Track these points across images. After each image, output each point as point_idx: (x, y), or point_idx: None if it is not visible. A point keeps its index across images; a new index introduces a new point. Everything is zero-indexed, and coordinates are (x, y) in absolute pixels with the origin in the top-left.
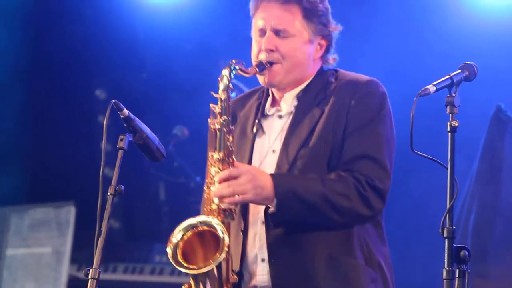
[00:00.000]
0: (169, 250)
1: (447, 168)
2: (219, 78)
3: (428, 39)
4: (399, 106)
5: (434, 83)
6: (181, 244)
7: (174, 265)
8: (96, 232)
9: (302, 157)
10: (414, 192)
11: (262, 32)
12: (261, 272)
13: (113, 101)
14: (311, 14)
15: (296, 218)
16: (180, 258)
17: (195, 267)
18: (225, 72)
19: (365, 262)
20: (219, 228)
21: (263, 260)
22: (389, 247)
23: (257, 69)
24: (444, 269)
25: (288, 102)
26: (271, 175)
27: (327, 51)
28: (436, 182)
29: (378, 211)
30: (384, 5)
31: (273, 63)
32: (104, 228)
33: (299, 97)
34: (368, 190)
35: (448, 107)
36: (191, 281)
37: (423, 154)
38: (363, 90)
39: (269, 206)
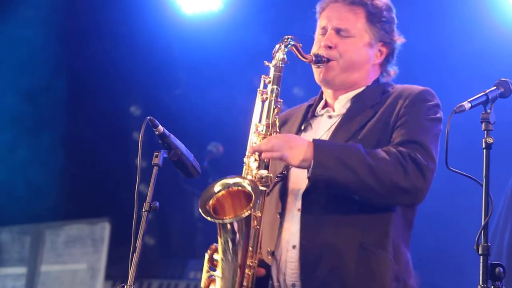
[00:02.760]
0: (202, 198)
1: (482, 185)
2: (273, 51)
3: (464, 56)
4: None
5: (469, 100)
6: (215, 198)
7: (202, 213)
8: (131, 248)
9: None
10: (448, 208)
11: (324, 30)
12: (291, 259)
13: (148, 117)
14: (374, 18)
15: (334, 180)
16: (209, 209)
17: (220, 217)
18: (280, 44)
19: (394, 259)
20: (250, 187)
21: (294, 247)
22: (423, 264)
23: (314, 58)
24: (479, 286)
25: (342, 103)
26: (313, 139)
27: (387, 60)
28: (471, 198)
29: (418, 189)
30: (413, 24)
31: (330, 60)
32: (138, 244)
33: (353, 100)
34: (409, 161)
35: (483, 124)
36: (218, 238)
37: (458, 171)
38: (418, 96)
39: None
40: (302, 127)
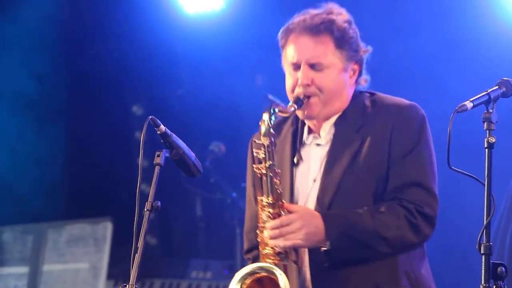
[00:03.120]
0: None
1: (484, 184)
2: (260, 123)
3: (466, 55)
4: (436, 122)
5: (471, 99)
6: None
7: None
8: (133, 248)
9: (345, 186)
10: (450, 208)
11: (296, 66)
12: None
13: (150, 117)
14: (342, 43)
15: (347, 258)
16: None
17: None
18: (265, 116)
19: (411, 287)
20: (278, 273)
21: None
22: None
23: (296, 106)
24: (481, 286)
25: (326, 130)
26: (322, 216)
27: (359, 74)
28: (472, 198)
29: (428, 237)
30: (416, 24)
31: (310, 97)
32: (140, 244)
33: (336, 125)
34: (418, 218)
35: (485, 124)
36: None
37: (460, 170)
38: (403, 116)
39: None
40: (295, 161)
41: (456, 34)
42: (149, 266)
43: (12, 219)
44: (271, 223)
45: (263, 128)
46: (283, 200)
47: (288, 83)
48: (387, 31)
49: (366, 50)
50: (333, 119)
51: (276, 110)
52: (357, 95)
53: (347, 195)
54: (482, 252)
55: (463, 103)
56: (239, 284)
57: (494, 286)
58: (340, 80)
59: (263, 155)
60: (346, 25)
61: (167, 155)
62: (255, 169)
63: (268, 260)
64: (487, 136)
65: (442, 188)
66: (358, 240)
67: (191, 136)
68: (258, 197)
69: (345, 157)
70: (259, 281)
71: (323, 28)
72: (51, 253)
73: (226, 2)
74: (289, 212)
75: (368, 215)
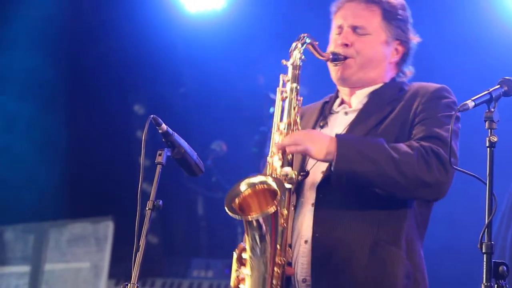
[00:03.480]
0: (227, 197)
1: (485, 184)
2: (290, 49)
3: (468, 54)
4: None
5: (472, 98)
6: (241, 196)
7: (228, 211)
8: (134, 247)
9: None
10: (451, 207)
11: (340, 28)
12: (303, 254)
13: (152, 116)
14: (390, 16)
15: (356, 172)
16: (235, 207)
17: (247, 214)
18: (297, 42)
19: (407, 255)
20: (274, 183)
21: (306, 241)
22: (427, 262)
23: (331, 57)
24: (482, 285)
25: (359, 98)
26: (336, 134)
27: (403, 59)
28: (474, 197)
29: (440, 183)
30: (418, 23)
31: (347, 57)
32: (142, 243)
33: (370, 96)
34: (432, 156)
35: (487, 122)
36: (246, 236)
37: (461, 169)
38: (435, 94)
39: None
40: (320, 124)
41: (457, 33)
42: (150, 265)
43: (14, 218)
44: (283, 137)
45: (296, 52)
46: (299, 127)
47: (330, 46)
48: None
49: (414, 37)
50: (368, 89)
51: (308, 40)
52: (395, 80)
53: None
54: (483, 251)
55: (464, 102)
56: (244, 188)
57: (496, 285)
58: (379, 50)
59: (288, 78)
60: (398, 4)
61: (168, 154)
62: (278, 92)
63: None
64: (489, 135)
65: None
66: (368, 155)
67: (193, 135)
68: (275, 122)
69: (370, 122)
70: (261, 192)
71: None
72: (52, 252)
73: (227, 1)
74: None
75: (384, 141)
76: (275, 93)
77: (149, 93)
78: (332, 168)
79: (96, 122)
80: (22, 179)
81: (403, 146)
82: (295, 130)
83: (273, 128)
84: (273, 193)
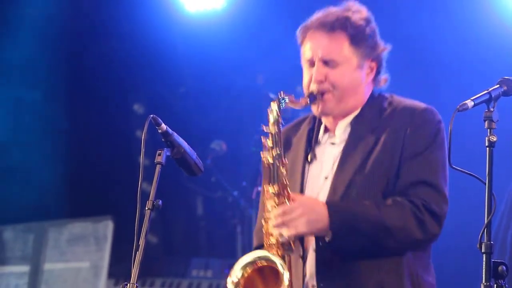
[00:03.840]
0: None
1: (485, 183)
2: (268, 111)
3: (467, 54)
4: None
5: (472, 98)
6: (241, 281)
7: None
8: (134, 246)
9: (356, 184)
10: (451, 207)
11: (311, 62)
12: None
13: (151, 115)
14: (358, 39)
15: (352, 249)
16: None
17: None
18: (274, 105)
19: None
20: (279, 263)
21: (313, 286)
22: None
23: (308, 100)
24: (482, 285)
25: (342, 129)
26: (327, 205)
27: (377, 72)
28: (473, 197)
29: (434, 236)
30: (415, 23)
31: (324, 93)
32: (141, 242)
33: (352, 124)
34: (425, 213)
35: (486, 122)
36: None
37: (461, 169)
38: (420, 119)
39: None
40: (308, 159)
41: (456, 33)
42: (150, 265)
43: (13, 218)
44: (274, 212)
45: (271, 117)
46: (288, 191)
47: (305, 80)
48: (384, 30)
49: (384, 48)
50: (349, 118)
51: (286, 99)
52: (374, 96)
53: (358, 193)
54: (483, 251)
55: (464, 102)
56: (241, 272)
57: (495, 285)
58: (354, 77)
59: (271, 144)
60: (362, 22)
61: (168, 153)
62: (262, 158)
63: (272, 251)
64: (488, 134)
65: None
66: (361, 230)
67: (192, 134)
68: (264, 186)
69: (358, 156)
70: (260, 270)
71: (338, 25)
72: (52, 251)
73: (227, 1)
74: (293, 201)
75: (374, 207)
76: (274, 92)
77: (148, 93)
78: (325, 246)
79: (96, 121)
80: (21, 179)
81: (394, 210)
82: (286, 197)
83: (262, 193)
84: (275, 270)
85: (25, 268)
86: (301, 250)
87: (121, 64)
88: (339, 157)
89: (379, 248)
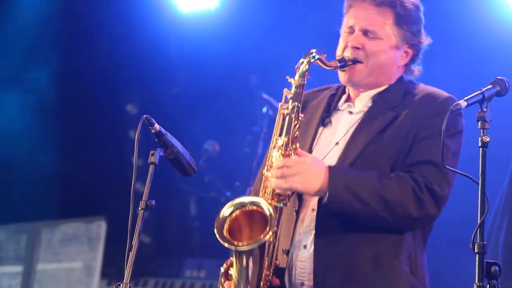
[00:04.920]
0: (216, 223)
1: (478, 184)
2: (296, 66)
3: (459, 53)
4: None
5: (465, 98)
6: (228, 220)
7: (219, 239)
8: (127, 247)
9: (367, 154)
10: (444, 207)
11: (351, 29)
12: (301, 258)
13: (144, 116)
14: (402, 21)
15: (347, 211)
16: (225, 233)
17: (238, 243)
18: (304, 59)
19: (410, 270)
20: (268, 212)
21: (305, 246)
22: None
23: (338, 64)
24: (475, 285)
25: (363, 101)
26: (328, 167)
27: (412, 60)
28: (466, 197)
29: (431, 217)
30: None
31: (357, 61)
32: (134, 243)
33: (374, 99)
34: (425, 191)
35: (479, 122)
36: (233, 258)
37: (454, 169)
38: (441, 105)
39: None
40: (324, 122)
41: (450, 33)
42: (143, 265)
43: (6, 218)
44: (276, 162)
45: (300, 69)
46: (297, 145)
47: (340, 45)
48: None
49: (425, 39)
50: (372, 92)
51: (317, 56)
52: (402, 80)
53: (367, 163)
54: (476, 251)
55: (457, 102)
56: (230, 211)
57: (488, 285)
58: (390, 55)
59: (291, 95)
60: (412, 6)
61: (161, 154)
62: (280, 108)
63: (266, 200)
64: (481, 135)
65: None
66: (359, 197)
67: (186, 135)
68: (274, 136)
69: (374, 129)
70: (249, 214)
71: (387, 1)
72: (45, 252)
73: (220, 1)
74: (299, 156)
75: (375, 178)
76: (267, 93)
77: (141, 93)
78: (323, 203)
79: (89, 122)
80: (14, 179)
81: (395, 183)
82: (292, 151)
83: (271, 142)
84: (263, 216)
85: (18, 269)
86: (297, 205)
87: (114, 65)
88: (354, 126)
89: (375, 219)
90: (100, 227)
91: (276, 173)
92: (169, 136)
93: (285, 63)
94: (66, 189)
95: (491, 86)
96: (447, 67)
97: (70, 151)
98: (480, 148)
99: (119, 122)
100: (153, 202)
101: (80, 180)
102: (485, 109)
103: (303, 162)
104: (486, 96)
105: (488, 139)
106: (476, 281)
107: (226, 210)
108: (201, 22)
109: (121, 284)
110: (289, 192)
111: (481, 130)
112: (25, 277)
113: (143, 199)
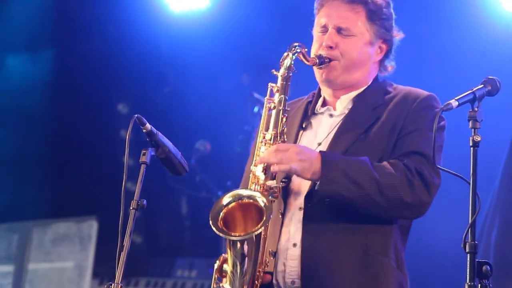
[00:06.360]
0: (211, 213)
1: (469, 183)
2: (281, 59)
3: (450, 53)
4: None
5: (456, 98)
6: (225, 210)
7: (213, 228)
8: (118, 246)
9: (353, 152)
10: (435, 206)
11: (325, 28)
12: (292, 257)
13: (136, 115)
14: (375, 17)
15: (340, 194)
16: (220, 223)
17: (233, 233)
18: (288, 52)
19: (396, 265)
20: (261, 201)
21: (294, 245)
22: (410, 262)
23: (317, 61)
24: (466, 284)
25: (344, 103)
26: (320, 152)
27: (386, 56)
28: (458, 197)
29: (423, 204)
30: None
31: (332, 60)
32: (126, 242)
33: (354, 101)
34: (416, 176)
35: (470, 122)
36: (228, 250)
37: (445, 169)
38: (425, 102)
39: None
40: (303, 125)
41: (440, 32)
42: (134, 264)
43: None
44: (269, 148)
45: (285, 62)
46: (285, 138)
47: (314, 46)
48: None
49: (397, 34)
50: (352, 94)
51: (299, 50)
52: (379, 80)
53: None
54: (467, 250)
55: (448, 102)
56: (227, 201)
57: (480, 285)
58: (364, 51)
59: (277, 88)
60: (382, 2)
61: (152, 153)
62: (266, 102)
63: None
64: (472, 134)
65: None
66: (352, 178)
67: (177, 134)
68: (261, 133)
69: (357, 129)
70: (245, 206)
71: None
72: (36, 251)
73: (212, 1)
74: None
75: (368, 161)
76: (259, 92)
77: (133, 93)
78: (316, 188)
79: (80, 121)
80: (5, 179)
81: (387, 167)
82: (281, 141)
83: (258, 137)
84: (259, 209)
85: (9, 268)
86: (282, 207)
87: (105, 64)
88: (337, 126)
89: (369, 202)
90: (91, 227)
91: (270, 154)
92: (160, 135)
93: (276, 62)
94: (57, 188)
95: (482, 85)
96: (439, 67)
97: (61, 151)
98: (471, 148)
99: (110, 122)
100: (145, 202)
101: (71, 180)
102: (476, 109)
103: (295, 146)
104: (477, 95)
105: (479, 139)
106: (468, 280)
107: (223, 201)
108: (193, 21)
109: (113, 284)
110: (280, 189)
111: (472, 129)
112: (16, 276)
113: (135, 198)
